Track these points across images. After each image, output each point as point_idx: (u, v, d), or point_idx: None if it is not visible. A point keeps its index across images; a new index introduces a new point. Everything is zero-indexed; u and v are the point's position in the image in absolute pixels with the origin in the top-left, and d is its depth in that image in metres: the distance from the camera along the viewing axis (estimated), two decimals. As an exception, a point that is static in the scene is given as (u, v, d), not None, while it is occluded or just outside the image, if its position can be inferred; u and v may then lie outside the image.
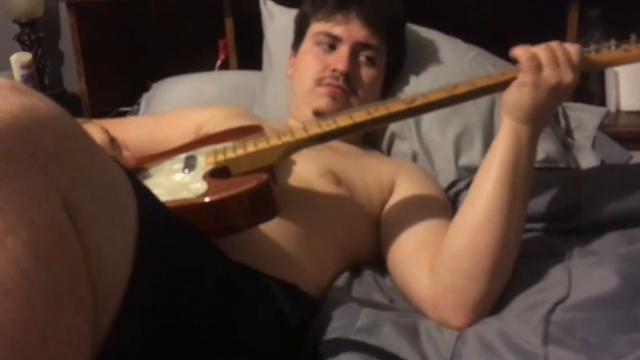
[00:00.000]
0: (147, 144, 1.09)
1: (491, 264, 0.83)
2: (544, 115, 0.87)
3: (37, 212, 0.48)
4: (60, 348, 0.47)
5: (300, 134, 0.88)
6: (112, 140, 0.92)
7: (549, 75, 0.83)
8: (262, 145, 0.87)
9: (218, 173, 0.84)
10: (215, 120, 1.14)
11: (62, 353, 0.47)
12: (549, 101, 0.85)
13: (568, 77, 0.83)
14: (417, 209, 0.99)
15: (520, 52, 0.86)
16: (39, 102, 0.53)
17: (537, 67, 0.83)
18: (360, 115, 0.88)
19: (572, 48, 0.86)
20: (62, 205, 0.50)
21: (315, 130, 0.88)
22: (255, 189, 0.76)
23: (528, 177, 0.87)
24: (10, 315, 0.44)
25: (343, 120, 0.88)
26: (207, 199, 0.75)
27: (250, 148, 0.87)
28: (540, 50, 0.84)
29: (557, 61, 0.84)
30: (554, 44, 0.85)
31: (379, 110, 0.88)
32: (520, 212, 0.86)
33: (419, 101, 0.88)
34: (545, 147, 1.19)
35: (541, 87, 0.83)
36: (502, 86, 0.88)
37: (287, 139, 0.87)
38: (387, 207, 1.03)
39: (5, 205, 0.46)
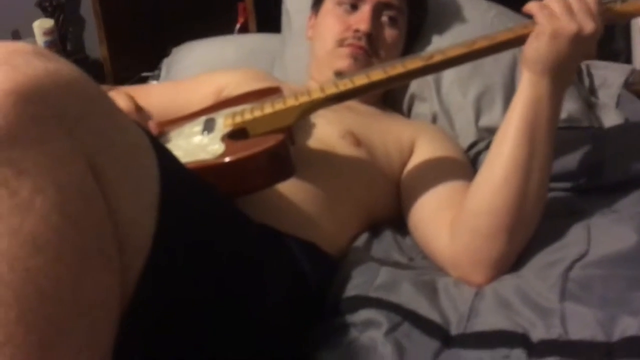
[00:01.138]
0: (169, 110, 1.10)
1: (510, 223, 0.83)
2: (565, 68, 0.84)
3: (64, 173, 0.49)
4: (91, 303, 0.49)
5: (317, 94, 0.88)
6: (139, 109, 0.94)
7: (565, 22, 0.80)
8: (279, 106, 0.87)
9: (236, 135, 0.85)
10: (235, 83, 1.15)
11: (93, 309, 0.49)
12: (570, 52, 0.81)
13: (588, 25, 0.80)
14: (437, 170, 1.00)
15: (532, 4, 0.83)
16: (63, 67, 0.53)
17: (551, 15, 0.80)
18: (377, 74, 0.88)
19: None
20: (87, 166, 0.52)
21: (332, 90, 0.88)
22: (272, 149, 0.77)
23: (551, 134, 0.85)
24: (42, 270, 0.46)
25: (360, 80, 0.88)
26: (224, 160, 0.76)
27: (268, 109, 0.87)
28: (553, 1, 0.81)
29: (572, 9, 0.81)
30: None
31: (396, 68, 0.88)
32: (541, 171, 0.84)
33: (437, 58, 0.87)
34: (568, 106, 1.17)
35: (560, 37, 0.80)
36: (522, 40, 0.85)
37: (304, 99, 0.88)
38: (407, 168, 1.03)
39: (33, 166, 0.47)
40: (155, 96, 1.19)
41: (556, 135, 1.00)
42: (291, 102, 0.88)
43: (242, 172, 0.77)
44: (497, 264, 0.83)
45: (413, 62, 0.88)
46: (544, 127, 0.84)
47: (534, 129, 0.83)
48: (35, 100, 0.49)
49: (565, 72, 0.85)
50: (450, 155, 1.04)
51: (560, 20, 0.80)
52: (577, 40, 0.81)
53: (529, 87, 0.84)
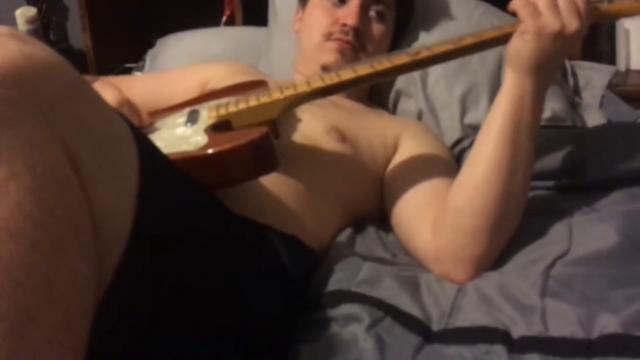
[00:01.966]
0: (152, 101, 1.09)
1: (492, 221, 0.83)
2: (549, 67, 0.83)
3: (40, 159, 0.48)
4: (64, 292, 0.47)
5: (303, 88, 0.87)
6: (127, 101, 0.93)
7: (549, 20, 0.79)
8: (264, 99, 0.87)
9: (220, 127, 0.84)
10: (220, 76, 1.14)
11: (67, 297, 0.48)
12: (554, 50, 0.81)
13: (573, 23, 0.79)
14: (421, 167, 0.99)
15: (516, 1, 0.82)
16: (40, 51, 0.52)
17: (535, 13, 0.80)
18: (363, 69, 0.87)
19: None
20: (64, 152, 0.50)
21: (318, 83, 0.87)
22: (255, 141, 0.76)
23: (533, 133, 0.85)
24: (15, 258, 0.45)
25: (346, 74, 0.87)
26: (206, 151, 0.76)
27: (253, 102, 0.87)
28: None
29: (557, 6, 0.80)
30: None
31: (383, 63, 0.87)
32: (524, 169, 0.84)
33: (424, 54, 0.87)
34: (552, 105, 1.18)
35: (543, 35, 0.80)
36: (509, 38, 0.85)
37: (289, 92, 0.87)
38: (391, 164, 1.03)
39: (7, 150, 0.46)
40: (138, 87, 1.18)
41: (538, 133, 1.01)
42: (276, 95, 0.87)
43: (225, 164, 0.76)
44: (480, 261, 0.83)
45: (400, 58, 0.88)
46: (527, 126, 0.84)
47: (517, 127, 0.83)
48: (9, 83, 0.48)
49: (549, 70, 0.84)
50: (435, 152, 1.04)
51: (544, 17, 0.79)
52: (561, 38, 0.80)
53: (512, 85, 0.84)
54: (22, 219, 0.46)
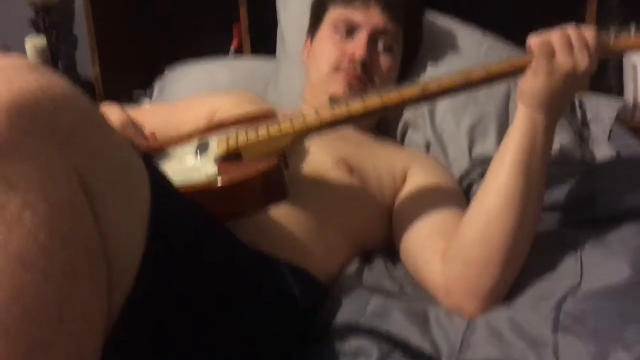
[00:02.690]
0: (161, 131, 1.10)
1: (505, 253, 0.82)
2: (560, 103, 0.85)
3: (55, 189, 0.48)
4: (76, 324, 0.47)
5: (313, 120, 0.87)
6: (133, 122, 0.93)
7: (562, 61, 0.81)
8: (273, 130, 0.87)
9: (230, 158, 0.84)
10: (228, 106, 1.15)
11: (79, 329, 0.47)
12: (565, 88, 0.83)
13: (584, 62, 0.81)
14: (430, 199, 0.99)
15: (533, 39, 0.84)
16: (56, 83, 0.53)
17: (550, 53, 0.82)
18: (373, 101, 0.88)
19: (589, 32, 0.84)
20: (78, 184, 0.51)
21: (327, 116, 0.88)
22: (266, 172, 0.76)
23: (544, 166, 0.86)
24: (29, 289, 0.45)
25: (356, 106, 0.88)
26: (217, 183, 0.76)
27: (262, 133, 0.87)
28: (554, 37, 0.83)
29: (572, 46, 0.82)
30: (570, 29, 0.83)
31: (392, 96, 0.88)
32: (535, 202, 0.85)
33: (433, 86, 0.87)
34: (560, 138, 1.18)
35: (556, 74, 0.82)
36: (517, 72, 0.87)
37: (299, 124, 0.87)
38: (400, 197, 1.03)
39: (23, 181, 0.46)
40: (147, 118, 1.19)
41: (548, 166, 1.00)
42: (286, 127, 0.87)
43: (235, 196, 0.76)
44: (490, 294, 0.83)
45: (409, 90, 0.88)
46: (539, 159, 0.85)
47: (529, 160, 0.84)
48: (28, 115, 0.48)
49: (561, 106, 0.86)
50: (443, 184, 1.04)
51: (558, 58, 0.82)
52: (573, 76, 0.82)
53: (525, 120, 0.85)
54: (35, 249, 0.46)
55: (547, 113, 0.84)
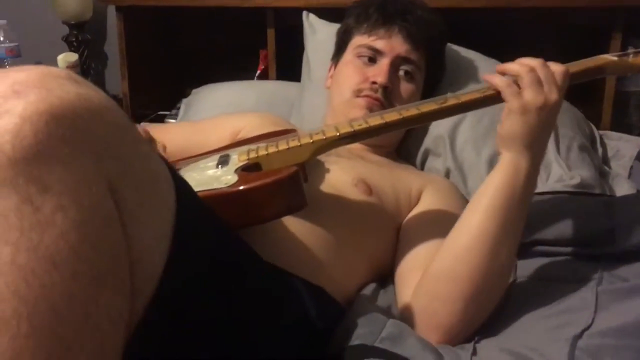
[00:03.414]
0: (186, 149, 1.11)
1: (468, 291, 0.83)
2: (539, 139, 0.86)
3: (87, 194, 0.50)
4: (100, 324, 0.48)
5: (331, 133, 0.89)
6: (152, 140, 0.95)
7: (531, 97, 0.83)
8: (293, 143, 0.89)
9: (250, 168, 0.86)
10: (252, 126, 1.16)
11: (102, 330, 0.49)
12: (540, 124, 0.84)
13: (553, 95, 0.83)
14: (432, 225, 1.00)
15: (496, 80, 0.86)
16: (94, 93, 0.55)
17: (518, 92, 0.83)
18: (391, 116, 0.89)
19: (558, 68, 0.86)
20: (108, 190, 0.52)
21: (346, 129, 0.89)
22: (285, 179, 0.78)
23: (522, 211, 0.86)
24: (57, 287, 0.46)
25: (374, 120, 0.89)
26: (236, 188, 0.78)
27: (282, 146, 0.89)
28: (521, 72, 0.84)
29: (540, 81, 0.83)
30: (536, 64, 0.85)
31: (410, 110, 0.89)
32: (510, 243, 0.85)
33: (451, 101, 0.89)
34: (581, 173, 1.19)
35: (528, 111, 0.83)
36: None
37: (318, 137, 0.89)
38: (409, 216, 1.03)
39: (57, 184, 0.48)
40: (172, 135, 1.21)
41: (568, 199, 1.00)
42: (305, 140, 0.89)
43: (254, 201, 0.78)
44: (452, 330, 0.83)
45: (427, 106, 0.89)
46: (517, 204, 0.85)
47: (507, 203, 0.84)
48: (66, 123, 0.50)
49: (541, 142, 0.87)
50: (452, 210, 1.03)
51: (526, 94, 0.83)
52: (545, 111, 0.83)
53: (507, 165, 0.85)
54: (66, 250, 0.47)
55: (528, 154, 0.85)
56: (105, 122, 0.54)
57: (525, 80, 0.83)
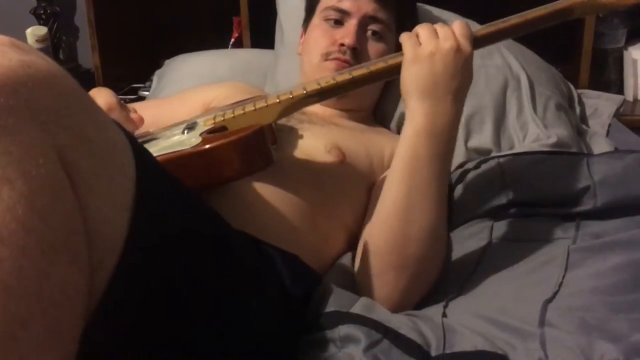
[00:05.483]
0: (155, 125, 1.09)
1: (394, 261, 0.84)
2: (440, 91, 0.83)
3: (34, 165, 0.48)
4: (54, 298, 0.47)
5: (298, 92, 0.87)
6: (121, 104, 0.93)
7: (425, 45, 0.84)
8: (260, 104, 0.87)
9: (216, 132, 0.85)
10: (223, 96, 1.14)
11: (57, 304, 0.47)
12: (436, 72, 0.82)
13: (447, 43, 0.83)
14: None
15: (403, 36, 0.87)
16: (40, 60, 0.52)
17: (416, 44, 0.84)
18: (359, 71, 0.88)
19: (456, 22, 0.87)
20: (58, 160, 0.50)
21: (313, 86, 0.87)
22: (248, 135, 0.76)
23: (435, 169, 0.84)
24: (6, 263, 0.45)
25: (342, 77, 0.88)
26: (199, 147, 0.76)
27: (249, 108, 0.87)
28: (418, 28, 0.86)
29: (435, 32, 0.84)
30: (438, 24, 0.86)
31: (378, 65, 0.88)
32: (425, 206, 0.84)
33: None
34: (557, 131, 1.18)
35: (420, 58, 0.83)
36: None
37: (285, 97, 0.87)
38: (379, 180, 1.02)
39: (2, 156, 0.46)
40: (141, 109, 1.18)
41: (544, 158, 0.99)
42: (272, 100, 0.87)
43: (217, 160, 0.76)
44: (390, 300, 0.84)
45: (394, 59, 0.88)
46: (425, 163, 0.84)
47: (412, 166, 0.84)
48: (8, 91, 0.48)
49: (437, 100, 0.84)
50: None
51: (422, 43, 0.84)
52: (436, 57, 0.83)
53: (407, 123, 0.85)
54: (13, 224, 0.45)
55: (425, 110, 0.83)
56: (52, 90, 0.52)
57: (422, 33, 0.85)
